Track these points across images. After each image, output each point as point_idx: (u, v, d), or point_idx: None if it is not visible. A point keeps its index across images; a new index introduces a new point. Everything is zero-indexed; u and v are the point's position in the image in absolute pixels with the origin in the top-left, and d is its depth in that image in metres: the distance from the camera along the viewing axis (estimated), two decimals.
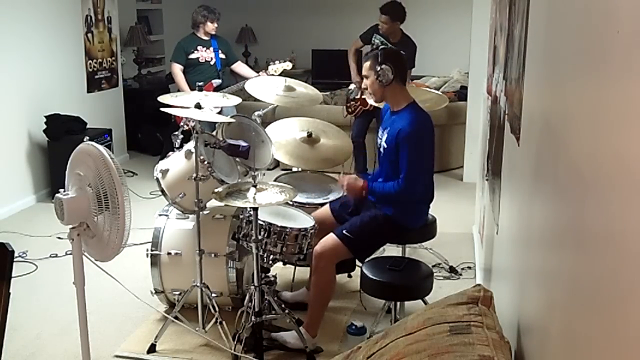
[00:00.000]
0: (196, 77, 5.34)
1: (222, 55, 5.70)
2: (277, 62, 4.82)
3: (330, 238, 3.07)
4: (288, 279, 3.78)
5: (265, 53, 9.37)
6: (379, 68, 3.02)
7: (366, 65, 3.12)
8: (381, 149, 3.19)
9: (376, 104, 3.45)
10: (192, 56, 5.61)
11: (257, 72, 5.25)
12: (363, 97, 5.44)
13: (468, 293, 1.79)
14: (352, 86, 5.55)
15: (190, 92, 3.55)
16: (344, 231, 3.06)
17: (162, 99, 3.17)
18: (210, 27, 5.62)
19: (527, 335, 1.65)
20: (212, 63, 5.66)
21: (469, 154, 6.01)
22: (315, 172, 3.86)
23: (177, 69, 5.59)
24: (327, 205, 3.41)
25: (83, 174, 2.31)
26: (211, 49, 5.67)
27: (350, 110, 5.58)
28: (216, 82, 5.52)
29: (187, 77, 5.55)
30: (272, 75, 4.74)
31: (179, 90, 5.33)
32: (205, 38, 5.67)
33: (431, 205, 3.29)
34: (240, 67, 5.80)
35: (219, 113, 4.68)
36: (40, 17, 5.60)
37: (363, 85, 3.21)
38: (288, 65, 4.46)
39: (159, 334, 3.15)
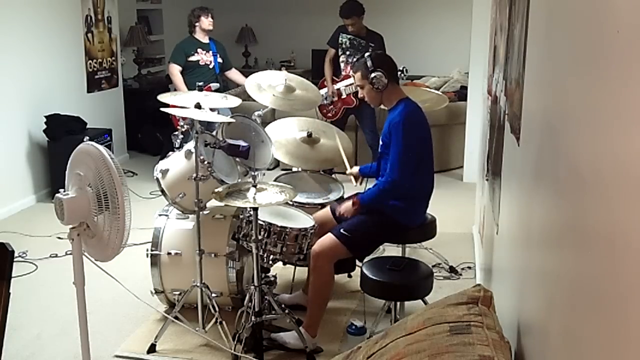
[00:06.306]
0: (195, 79, 5.26)
1: (220, 60, 5.70)
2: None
3: (328, 237, 3.06)
4: (288, 279, 3.78)
5: (265, 53, 9.38)
6: (372, 76, 3.06)
7: (357, 75, 3.16)
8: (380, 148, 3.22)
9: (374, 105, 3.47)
10: (192, 58, 5.57)
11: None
12: (342, 97, 5.51)
13: (468, 293, 1.79)
14: (322, 91, 5.47)
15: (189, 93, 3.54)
16: (341, 230, 3.06)
17: (162, 97, 3.17)
18: (206, 22, 5.58)
19: (527, 335, 1.64)
20: (211, 66, 5.64)
21: (469, 154, 6.01)
22: (315, 172, 3.87)
23: (176, 70, 5.55)
24: (328, 207, 3.41)
25: (83, 174, 2.31)
26: (210, 52, 5.64)
27: (331, 114, 5.61)
28: (214, 85, 5.49)
29: (186, 79, 5.50)
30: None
31: (175, 91, 5.31)
32: (204, 41, 5.64)
33: (430, 204, 3.29)
34: (233, 74, 5.81)
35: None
36: (40, 17, 5.60)
37: (360, 95, 3.26)
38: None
39: (159, 334, 3.15)
